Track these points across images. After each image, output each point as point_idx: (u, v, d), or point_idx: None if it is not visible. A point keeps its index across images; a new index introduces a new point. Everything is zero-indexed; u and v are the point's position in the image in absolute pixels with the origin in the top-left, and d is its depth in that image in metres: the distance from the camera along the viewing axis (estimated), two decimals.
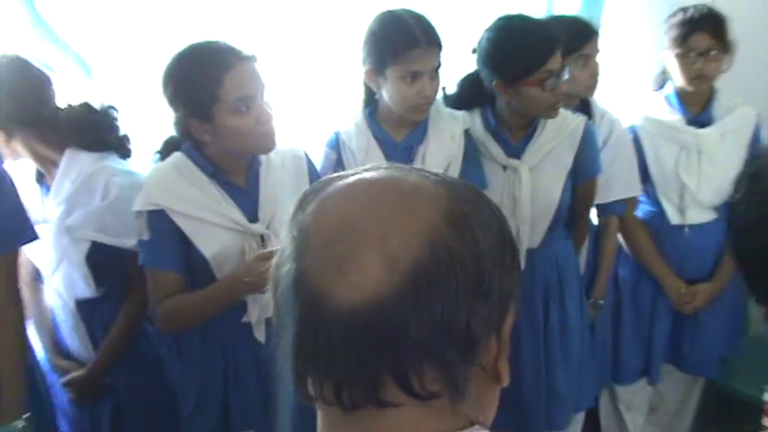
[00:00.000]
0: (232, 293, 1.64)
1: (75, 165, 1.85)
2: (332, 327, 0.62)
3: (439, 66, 1.83)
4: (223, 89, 1.56)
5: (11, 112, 1.74)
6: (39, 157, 1.85)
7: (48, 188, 1.89)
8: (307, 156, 1.85)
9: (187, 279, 1.70)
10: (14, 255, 1.70)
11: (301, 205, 0.69)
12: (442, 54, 1.83)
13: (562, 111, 1.99)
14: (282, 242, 0.69)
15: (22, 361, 1.69)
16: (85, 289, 1.89)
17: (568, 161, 2.01)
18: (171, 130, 1.72)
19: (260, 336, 1.78)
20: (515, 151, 2.00)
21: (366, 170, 0.71)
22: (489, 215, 0.68)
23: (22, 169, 1.87)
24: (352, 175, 0.70)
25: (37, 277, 1.97)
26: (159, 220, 1.66)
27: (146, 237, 1.67)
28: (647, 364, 2.44)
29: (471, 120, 2.04)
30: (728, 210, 0.97)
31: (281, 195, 1.76)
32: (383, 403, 0.63)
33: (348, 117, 1.99)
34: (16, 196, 1.69)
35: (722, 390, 2.52)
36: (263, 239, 1.71)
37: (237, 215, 1.69)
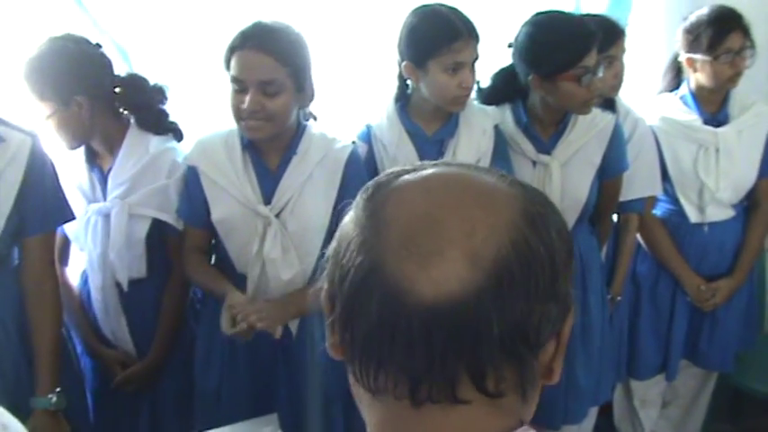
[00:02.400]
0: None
1: (140, 145, 1.87)
2: (413, 321, 0.60)
3: (477, 58, 1.86)
4: None
5: (73, 82, 1.74)
6: (100, 132, 1.84)
7: (99, 169, 1.89)
8: (352, 155, 1.84)
9: (210, 236, 1.87)
10: (52, 234, 1.75)
11: (371, 196, 0.67)
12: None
13: (592, 108, 2.03)
14: (347, 231, 0.67)
15: (57, 338, 1.73)
16: (141, 268, 1.90)
17: (597, 159, 2.05)
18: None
19: (291, 324, 1.82)
20: (546, 147, 2.03)
21: (436, 165, 0.70)
22: (558, 218, 0.68)
23: (66, 150, 1.86)
24: (422, 169, 0.69)
25: (62, 260, 1.97)
26: (192, 177, 1.83)
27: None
28: (664, 359, 2.47)
29: (502, 115, 2.07)
30: None
31: (305, 187, 1.79)
32: (457, 400, 0.63)
33: (379, 110, 2.01)
34: (55, 177, 1.71)
35: (735, 385, 2.56)
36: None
37: (249, 192, 1.77)
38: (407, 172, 0.69)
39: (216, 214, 1.80)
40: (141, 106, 1.90)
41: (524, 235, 0.63)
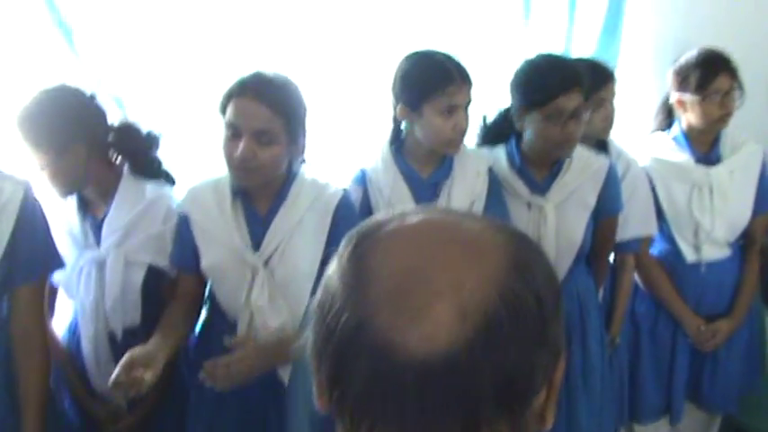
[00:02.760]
0: None
1: (135, 191, 1.87)
2: (405, 378, 0.59)
3: (470, 101, 1.88)
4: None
5: (69, 132, 1.73)
6: (94, 180, 1.82)
7: (92, 217, 1.88)
8: (343, 200, 1.83)
9: (201, 283, 1.86)
10: (42, 283, 1.72)
11: (355, 247, 0.66)
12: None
13: (586, 151, 2.06)
14: (331, 285, 0.65)
15: (45, 390, 1.70)
16: (135, 317, 1.87)
17: (592, 200, 2.05)
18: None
19: (284, 375, 1.79)
20: (540, 189, 2.04)
21: (419, 213, 0.69)
22: (546, 263, 0.68)
23: (57, 198, 1.84)
24: (406, 217, 0.68)
25: (48, 311, 1.90)
26: (183, 224, 1.84)
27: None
28: (667, 402, 2.44)
29: (496, 156, 2.09)
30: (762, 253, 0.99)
31: (294, 233, 1.78)
32: None
33: (373, 154, 2.01)
34: (45, 226, 1.70)
35: (740, 427, 2.52)
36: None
37: (237, 239, 1.77)
38: (391, 221, 0.68)
39: (205, 261, 1.80)
40: (135, 153, 1.90)
41: (512, 284, 0.62)
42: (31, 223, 1.64)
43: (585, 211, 2.05)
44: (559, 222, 2.01)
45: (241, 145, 1.66)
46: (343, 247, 0.67)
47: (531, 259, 0.65)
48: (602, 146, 2.26)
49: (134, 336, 1.86)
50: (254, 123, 1.67)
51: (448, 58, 1.89)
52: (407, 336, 0.59)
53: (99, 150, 1.82)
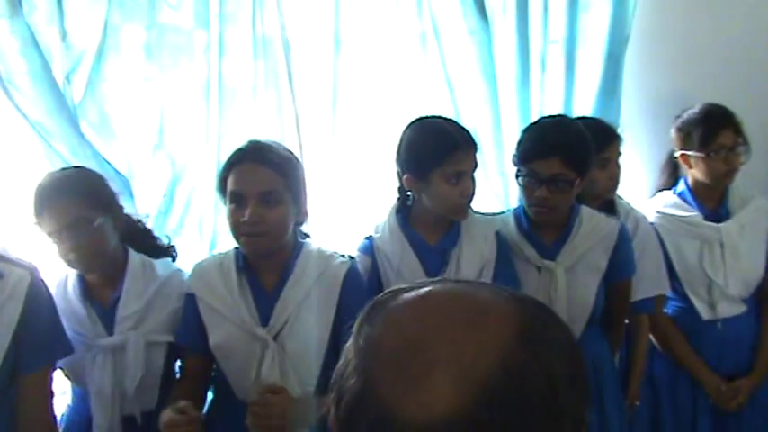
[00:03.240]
0: None
1: (144, 272, 1.86)
2: None
3: (476, 166, 1.89)
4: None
5: (101, 200, 1.78)
6: (107, 253, 1.81)
7: (97, 304, 1.84)
8: (350, 271, 1.82)
9: (208, 363, 1.82)
10: (49, 370, 1.70)
11: (369, 316, 0.68)
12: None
13: (596, 214, 2.06)
14: (347, 353, 0.67)
15: None
16: (153, 399, 1.83)
17: (603, 264, 2.03)
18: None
19: None
20: (550, 253, 2.02)
21: (434, 282, 0.70)
22: (560, 334, 0.67)
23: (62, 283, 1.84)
24: (421, 287, 0.69)
25: None
26: (190, 304, 1.81)
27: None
28: None
29: (505, 221, 2.07)
30: None
31: (303, 306, 1.77)
32: None
33: (379, 223, 2.01)
34: (53, 311, 1.69)
35: None
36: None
37: (246, 315, 1.75)
38: (406, 290, 0.69)
39: (213, 339, 1.77)
40: (137, 233, 1.92)
41: (516, 355, 0.61)
42: (38, 310, 1.63)
43: (597, 275, 2.02)
44: (570, 286, 1.98)
45: (248, 210, 1.67)
46: (359, 317, 0.69)
47: (542, 329, 0.65)
48: (609, 205, 2.25)
49: (150, 418, 1.82)
50: (259, 186, 1.69)
51: (452, 123, 1.91)
52: (406, 404, 0.60)
53: (114, 224, 1.83)
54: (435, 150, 1.82)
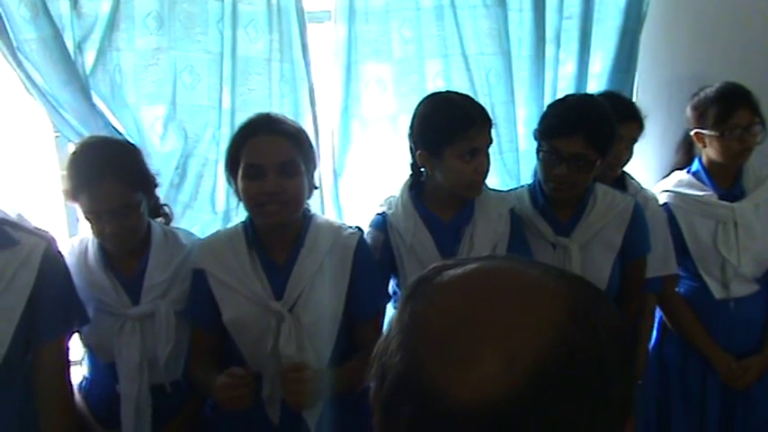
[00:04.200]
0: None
1: (167, 240, 1.86)
2: (448, 426, 0.58)
3: (491, 143, 1.87)
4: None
5: (139, 182, 1.77)
6: (142, 232, 1.82)
7: (120, 274, 1.83)
8: (360, 242, 1.84)
9: (219, 338, 1.80)
10: (65, 340, 1.70)
11: (414, 293, 0.67)
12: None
13: (611, 191, 2.04)
14: (391, 329, 0.66)
15: None
16: (180, 368, 1.85)
17: (617, 241, 2.02)
18: None
19: (273, 415, 1.76)
20: (564, 229, 2.01)
21: (482, 260, 0.69)
22: (611, 316, 0.65)
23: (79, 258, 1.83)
24: (467, 263, 0.68)
25: None
26: (199, 280, 1.79)
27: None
28: None
29: (520, 197, 2.06)
30: None
31: (316, 278, 1.77)
32: None
33: (391, 198, 2.00)
34: (69, 281, 1.69)
35: None
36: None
37: (259, 289, 1.75)
38: (451, 267, 0.67)
39: (227, 315, 1.76)
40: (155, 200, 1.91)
41: (568, 335, 0.59)
42: (52, 279, 1.62)
43: (611, 252, 2.01)
44: (585, 263, 1.97)
45: (268, 180, 1.67)
46: (402, 293, 0.68)
47: (593, 310, 0.63)
48: (619, 183, 2.24)
49: (179, 388, 1.85)
50: (278, 157, 1.69)
51: (467, 99, 1.89)
52: (453, 382, 0.58)
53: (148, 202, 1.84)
54: (449, 126, 1.80)
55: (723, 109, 2.21)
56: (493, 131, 1.89)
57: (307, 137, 1.79)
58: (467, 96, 1.92)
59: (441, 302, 0.64)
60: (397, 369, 0.62)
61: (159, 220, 1.95)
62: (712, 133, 2.24)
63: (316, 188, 1.85)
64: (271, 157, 1.69)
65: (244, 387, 1.58)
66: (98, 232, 1.74)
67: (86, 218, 1.74)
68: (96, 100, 2.08)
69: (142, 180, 1.78)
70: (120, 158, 1.74)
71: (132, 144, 1.86)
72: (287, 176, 1.69)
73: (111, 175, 1.68)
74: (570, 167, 1.87)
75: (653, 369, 2.39)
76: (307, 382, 1.60)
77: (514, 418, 0.57)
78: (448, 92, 1.95)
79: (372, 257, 1.86)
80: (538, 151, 1.95)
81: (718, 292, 2.30)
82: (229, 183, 1.78)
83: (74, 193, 1.71)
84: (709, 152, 2.29)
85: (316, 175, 1.84)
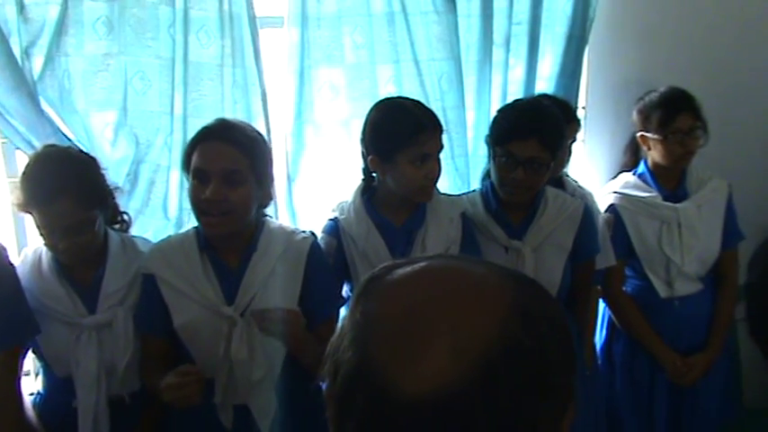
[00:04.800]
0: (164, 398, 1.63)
1: (125, 248, 1.84)
2: (398, 418, 0.60)
3: (442, 148, 1.89)
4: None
5: (96, 198, 1.74)
6: (98, 245, 1.79)
7: (75, 283, 1.80)
8: (314, 246, 1.85)
9: (170, 343, 1.78)
10: (16, 350, 1.67)
11: (365, 291, 0.69)
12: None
13: (560, 193, 2.10)
14: (343, 327, 0.68)
15: None
16: (138, 379, 1.82)
17: (569, 242, 2.07)
18: None
19: (225, 421, 1.76)
20: (517, 232, 2.05)
21: (430, 258, 0.71)
22: (553, 310, 0.68)
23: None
24: (416, 262, 0.70)
25: None
26: (149, 285, 1.78)
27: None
28: None
29: (472, 201, 2.10)
30: (745, 291, 1.00)
31: (268, 283, 1.77)
32: None
33: (343, 203, 2.01)
34: (18, 290, 1.66)
35: None
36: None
37: (211, 294, 1.74)
38: (401, 266, 0.70)
39: (178, 320, 1.75)
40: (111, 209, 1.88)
41: (512, 328, 0.62)
42: (2, 288, 1.60)
43: (563, 254, 2.06)
44: (537, 266, 2.02)
45: (210, 188, 1.66)
46: (355, 291, 0.70)
47: (536, 305, 0.66)
48: (557, 183, 2.29)
49: (138, 400, 1.82)
50: (223, 164, 1.68)
51: (418, 105, 1.91)
52: (402, 375, 0.60)
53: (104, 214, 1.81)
54: (400, 132, 1.82)
55: (666, 113, 2.28)
56: (444, 136, 1.92)
57: (262, 148, 1.78)
58: (418, 102, 1.94)
59: (391, 300, 0.66)
60: (350, 364, 0.64)
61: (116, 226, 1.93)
62: (656, 137, 2.31)
63: (271, 199, 1.85)
64: (216, 164, 1.68)
65: (192, 384, 1.57)
66: (51, 247, 1.72)
67: (39, 232, 1.71)
68: (45, 106, 2.04)
69: (99, 196, 1.75)
70: (76, 176, 1.70)
71: (89, 156, 1.82)
72: (230, 185, 1.68)
73: (67, 195, 1.65)
74: (527, 171, 1.91)
75: (602, 367, 2.45)
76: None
77: (463, 408, 0.59)
78: (399, 97, 1.98)
79: (326, 261, 1.87)
80: (493, 157, 1.97)
81: (662, 291, 2.37)
82: (187, 180, 1.76)
83: (26, 207, 1.68)
84: (653, 155, 2.36)
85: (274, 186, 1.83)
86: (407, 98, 1.96)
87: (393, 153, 1.83)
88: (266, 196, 1.81)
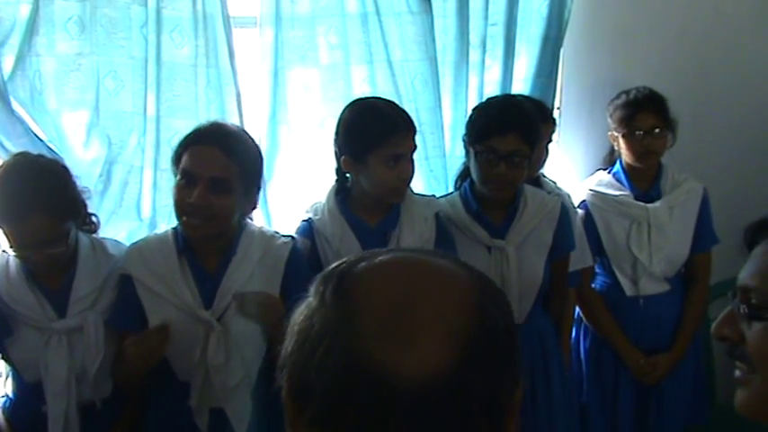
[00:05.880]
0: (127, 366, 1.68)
1: (95, 251, 1.82)
2: (402, 404, 0.61)
3: (415, 149, 1.90)
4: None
5: (68, 211, 1.72)
6: (68, 253, 1.76)
7: (44, 287, 1.78)
8: (293, 251, 1.84)
9: None
10: None
11: (337, 286, 0.67)
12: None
13: (538, 191, 2.13)
14: (304, 327, 0.67)
15: None
16: (110, 385, 1.80)
17: (549, 239, 2.09)
18: None
19: (201, 424, 1.76)
20: (499, 232, 2.06)
21: (389, 252, 0.72)
22: (504, 296, 0.73)
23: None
24: (377, 256, 0.70)
25: None
26: (126, 285, 1.77)
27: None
28: None
29: (452, 203, 2.10)
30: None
31: (247, 287, 1.77)
32: None
33: (317, 204, 2.01)
34: None
35: None
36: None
37: (188, 297, 1.74)
38: (362, 260, 0.71)
39: (153, 322, 1.74)
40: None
41: (486, 310, 0.67)
42: None
43: (544, 251, 2.09)
44: (521, 264, 2.04)
45: (196, 192, 1.65)
46: (320, 289, 0.68)
47: (494, 290, 0.71)
48: (534, 183, 2.30)
49: (110, 406, 1.81)
50: (212, 171, 1.67)
51: (391, 105, 1.92)
52: (402, 362, 0.62)
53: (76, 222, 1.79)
54: (373, 132, 1.83)
55: (626, 112, 2.33)
56: (419, 137, 1.92)
57: (255, 158, 1.78)
58: (391, 103, 1.95)
59: (372, 292, 0.67)
60: (337, 362, 0.63)
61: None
62: (616, 134, 2.35)
63: (254, 208, 1.85)
64: (205, 170, 1.67)
65: (154, 334, 1.59)
66: (22, 259, 1.71)
67: (9, 245, 1.68)
68: (16, 106, 2.03)
69: (72, 208, 1.73)
70: (48, 191, 1.66)
71: (61, 166, 1.79)
72: (216, 192, 1.67)
73: (40, 211, 1.63)
74: (508, 165, 1.92)
75: (572, 363, 2.47)
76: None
77: (461, 385, 0.62)
78: (372, 98, 1.99)
79: (305, 267, 1.85)
80: (475, 154, 1.97)
81: (628, 290, 2.40)
82: (174, 175, 1.74)
83: None
84: (622, 153, 2.38)
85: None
86: (380, 98, 1.97)
87: (365, 153, 1.84)
88: (251, 205, 1.80)
